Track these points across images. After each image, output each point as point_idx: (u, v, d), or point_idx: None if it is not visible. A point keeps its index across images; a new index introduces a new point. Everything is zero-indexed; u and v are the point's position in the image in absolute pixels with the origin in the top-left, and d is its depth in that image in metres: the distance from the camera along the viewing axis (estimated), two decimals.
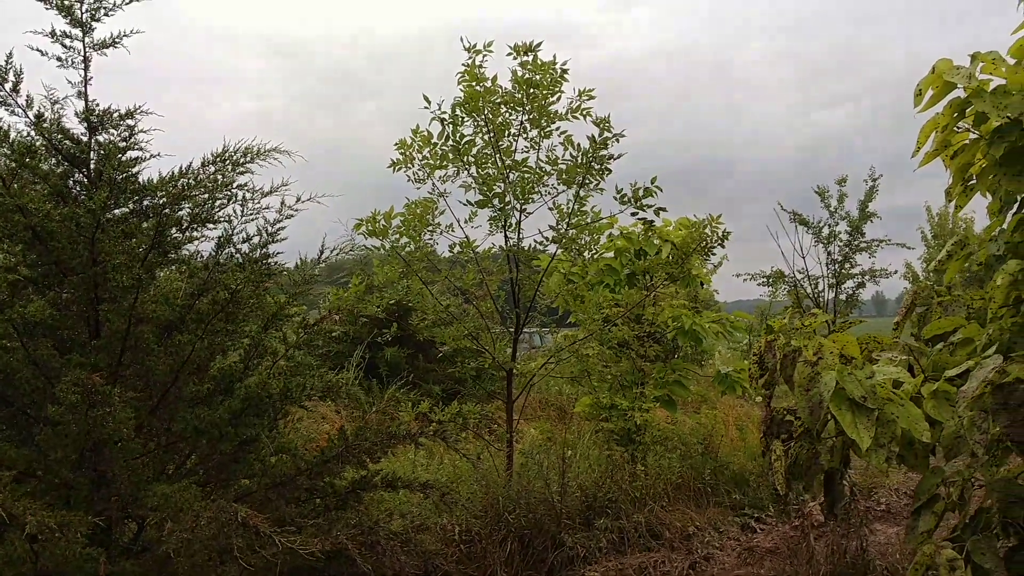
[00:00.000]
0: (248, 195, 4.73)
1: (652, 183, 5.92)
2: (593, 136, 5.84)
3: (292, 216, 5.05)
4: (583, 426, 8.43)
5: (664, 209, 6.05)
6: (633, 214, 6.12)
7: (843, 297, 15.23)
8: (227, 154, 4.76)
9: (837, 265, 16.60)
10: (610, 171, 5.96)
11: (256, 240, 4.90)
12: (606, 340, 8.18)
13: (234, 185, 4.76)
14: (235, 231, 4.74)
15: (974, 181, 3.70)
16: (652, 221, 6.29)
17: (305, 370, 4.43)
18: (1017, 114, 3.19)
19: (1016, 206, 3.69)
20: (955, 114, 3.43)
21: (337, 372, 10.76)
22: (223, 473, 4.22)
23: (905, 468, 3.31)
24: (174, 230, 4.46)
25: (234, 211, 4.75)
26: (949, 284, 4.03)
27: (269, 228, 4.93)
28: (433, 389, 11.04)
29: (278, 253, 4.98)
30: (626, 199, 6.02)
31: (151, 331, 4.00)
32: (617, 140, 5.85)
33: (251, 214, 4.81)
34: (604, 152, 5.86)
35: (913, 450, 3.05)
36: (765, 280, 14.36)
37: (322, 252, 5.05)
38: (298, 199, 5.07)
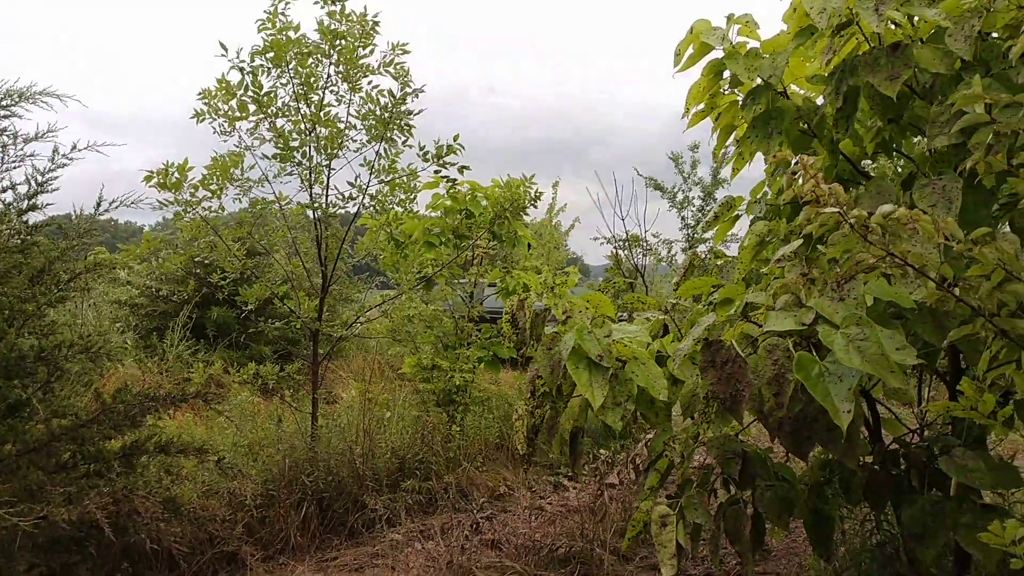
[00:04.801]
0: (9, 141, 4.41)
1: (455, 141, 5.84)
2: (391, 90, 5.71)
3: (66, 165, 4.74)
4: (411, 387, 8.35)
5: (467, 167, 6.00)
6: (436, 171, 6.04)
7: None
8: None
9: (690, 230, 17.12)
10: (413, 126, 5.83)
11: (23, 190, 4.58)
12: (430, 300, 8.11)
13: None
14: None
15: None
16: (455, 179, 6.20)
17: (63, 329, 4.16)
18: (767, 76, 3.22)
19: (788, 170, 3.77)
20: (713, 75, 3.46)
21: (160, 334, 10.39)
22: None
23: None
24: None
25: None
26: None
27: (38, 178, 4.61)
28: (263, 350, 10.75)
29: (48, 204, 4.68)
30: (428, 156, 5.92)
31: None
32: (416, 96, 5.74)
33: (13, 162, 4.48)
34: (404, 107, 5.74)
35: (655, 409, 3.07)
36: (620, 244, 14.60)
37: (99, 204, 4.75)
38: (74, 147, 4.76)
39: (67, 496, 3.71)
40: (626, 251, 14.42)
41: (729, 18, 3.39)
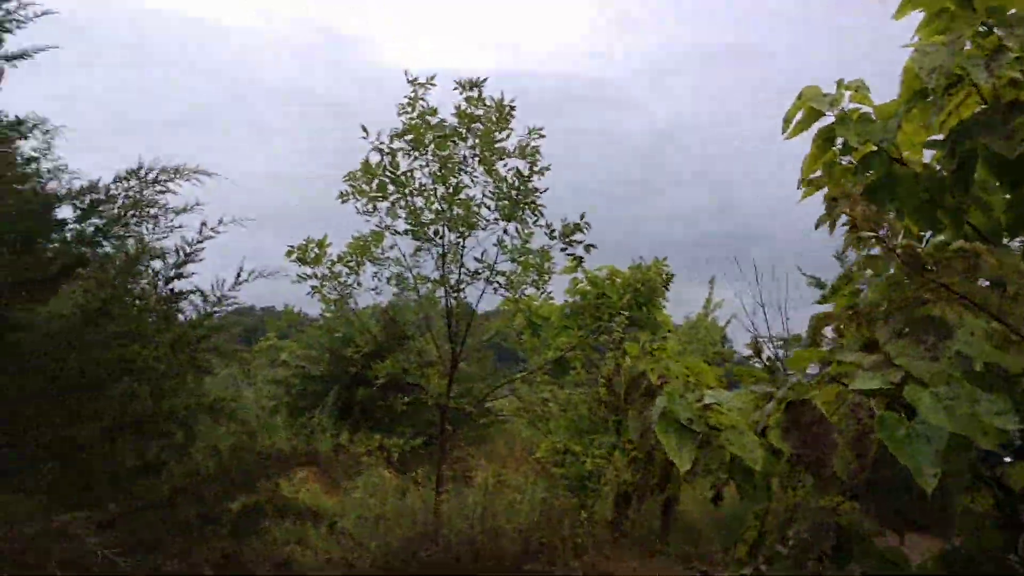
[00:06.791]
0: (160, 213, 4.75)
1: (581, 219, 5.92)
2: (518, 168, 5.86)
3: (212, 237, 5.05)
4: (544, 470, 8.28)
5: (594, 246, 6.04)
6: (562, 250, 6.11)
7: None
8: (142, 171, 4.77)
9: None
10: (542, 206, 5.96)
11: (172, 260, 4.91)
12: (564, 383, 8.08)
13: (147, 203, 4.78)
14: (145, 249, 4.74)
15: None
16: (581, 257, 6.25)
17: (185, 387, 4.38)
18: (878, 140, 3.11)
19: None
20: (823, 141, 3.36)
21: (310, 413, 10.79)
22: (87, 491, 4.12)
23: None
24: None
25: (146, 228, 4.76)
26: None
27: (186, 248, 4.93)
28: (405, 431, 10.94)
29: (193, 274, 4.99)
30: (555, 235, 6.01)
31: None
32: (542, 174, 5.86)
33: (163, 233, 4.83)
34: (531, 185, 5.87)
35: (753, 480, 2.93)
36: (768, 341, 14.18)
37: (239, 275, 5.03)
38: (220, 221, 5.08)
39: (180, 550, 3.85)
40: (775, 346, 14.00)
41: (839, 83, 3.30)
